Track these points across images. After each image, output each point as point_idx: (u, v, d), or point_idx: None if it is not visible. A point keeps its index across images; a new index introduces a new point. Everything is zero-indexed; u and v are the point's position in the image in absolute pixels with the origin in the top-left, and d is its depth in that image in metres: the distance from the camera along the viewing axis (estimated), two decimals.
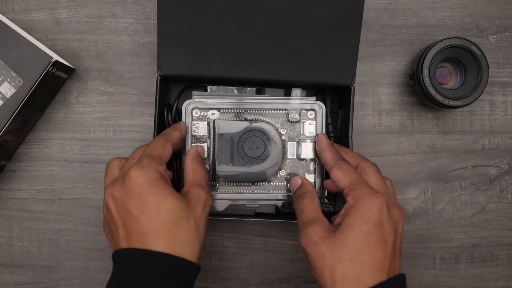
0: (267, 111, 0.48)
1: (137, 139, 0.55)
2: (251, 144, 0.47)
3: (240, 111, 0.48)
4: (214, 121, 0.47)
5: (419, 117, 0.56)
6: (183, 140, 0.47)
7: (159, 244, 0.36)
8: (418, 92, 0.53)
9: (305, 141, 0.49)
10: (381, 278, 0.37)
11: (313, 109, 0.49)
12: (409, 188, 0.56)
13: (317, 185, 0.49)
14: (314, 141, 0.48)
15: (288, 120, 0.49)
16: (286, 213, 0.54)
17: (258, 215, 0.53)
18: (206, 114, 0.48)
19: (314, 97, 0.49)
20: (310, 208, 0.41)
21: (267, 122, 0.48)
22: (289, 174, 0.49)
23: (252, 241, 0.56)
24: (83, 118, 0.55)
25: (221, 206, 0.48)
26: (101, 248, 0.55)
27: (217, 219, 0.55)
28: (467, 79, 0.52)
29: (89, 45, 0.55)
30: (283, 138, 0.49)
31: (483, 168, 0.56)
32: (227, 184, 0.48)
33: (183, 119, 0.48)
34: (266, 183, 0.49)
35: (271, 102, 0.48)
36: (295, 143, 0.49)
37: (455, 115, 0.56)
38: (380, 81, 0.56)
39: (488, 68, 0.51)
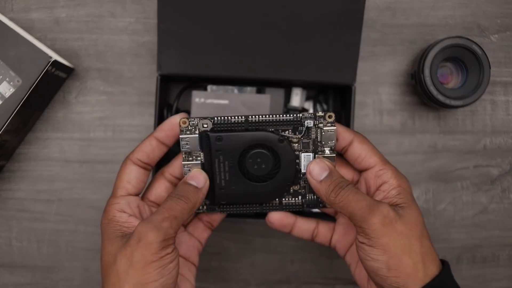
0: (274, 117, 0.38)
1: (137, 139, 0.54)
2: (255, 160, 0.39)
3: (240, 118, 0.38)
4: (207, 135, 0.38)
5: (420, 117, 0.56)
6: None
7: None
8: (419, 91, 0.53)
9: (324, 151, 0.39)
10: None
11: (331, 114, 0.39)
12: None
13: None
14: (334, 154, 0.39)
15: (302, 126, 0.39)
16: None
17: (258, 215, 0.51)
18: (196, 124, 0.39)
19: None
20: (360, 194, 0.37)
21: (273, 132, 0.38)
22: (304, 188, 0.41)
23: (253, 242, 0.55)
24: (83, 118, 0.55)
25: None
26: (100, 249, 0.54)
27: None
28: (468, 79, 0.52)
29: (89, 45, 0.55)
30: (296, 147, 0.39)
31: (484, 168, 0.56)
32: (229, 206, 0.41)
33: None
34: (277, 201, 0.41)
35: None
36: (311, 154, 0.39)
37: (456, 115, 0.56)
38: (381, 80, 0.56)
39: (490, 68, 0.51)
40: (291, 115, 0.38)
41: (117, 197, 0.38)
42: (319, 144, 0.39)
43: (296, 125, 0.39)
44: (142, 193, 0.41)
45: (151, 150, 0.39)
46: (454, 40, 0.51)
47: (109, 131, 0.55)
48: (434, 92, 0.51)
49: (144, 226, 0.35)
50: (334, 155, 0.39)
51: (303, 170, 0.40)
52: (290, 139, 0.39)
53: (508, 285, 0.56)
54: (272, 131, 0.38)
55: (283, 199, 0.40)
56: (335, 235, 0.43)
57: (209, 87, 0.52)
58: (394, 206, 0.37)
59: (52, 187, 0.55)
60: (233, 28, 0.48)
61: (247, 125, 0.38)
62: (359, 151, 0.39)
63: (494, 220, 0.56)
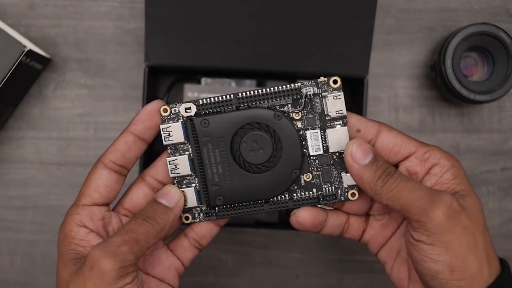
0: (269, 95, 0.34)
1: None
2: (251, 144, 0.34)
3: (228, 97, 0.34)
4: (191, 120, 0.34)
5: (441, 113, 0.54)
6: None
7: None
8: (440, 85, 0.51)
9: (333, 126, 0.35)
10: None
11: (336, 78, 0.35)
12: None
13: None
14: (346, 124, 0.35)
15: (303, 97, 0.34)
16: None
17: (258, 224, 0.51)
18: (178, 111, 0.35)
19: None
20: (413, 181, 0.34)
21: (269, 107, 0.34)
22: (317, 178, 0.35)
23: (252, 254, 0.54)
24: (61, 114, 0.54)
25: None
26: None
27: None
28: (495, 71, 0.51)
29: (67, 32, 0.53)
30: (299, 125, 0.35)
31: None
32: (228, 206, 0.36)
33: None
34: (286, 195, 0.36)
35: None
36: (318, 131, 0.35)
37: (482, 111, 0.54)
38: (397, 73, 0.54)
39: None
40: (288, 85, 0.34)
41: (79, 206, 0.35)
42: (326, 118, 0.34)
43: (296, 96, 0.34)
44: (117, 200, 0.38)
45: (127, 148, 0.35)
46: (479, 27, 0.50)
47: (91, 129, 0.54)
48: (457, 85, 0.50)
49: (98, 250, 0.32)
50: (346, 126, 0.34)
51: (312, 153, 0.35)
52: (290, 115, 0.35)
53: None
54: (268, 108, 0.34)
55: (294, 194, 0.35)
56: (369, 230, 0.39)
57: (203, 80, 0.51)
58: (454, 195, 0.34)
59: (26, 192, 0.54)
60: (231, 13, 0.47)
61: (237, 103, 0.34)
62: (393, 139, 0.35)
63: None
